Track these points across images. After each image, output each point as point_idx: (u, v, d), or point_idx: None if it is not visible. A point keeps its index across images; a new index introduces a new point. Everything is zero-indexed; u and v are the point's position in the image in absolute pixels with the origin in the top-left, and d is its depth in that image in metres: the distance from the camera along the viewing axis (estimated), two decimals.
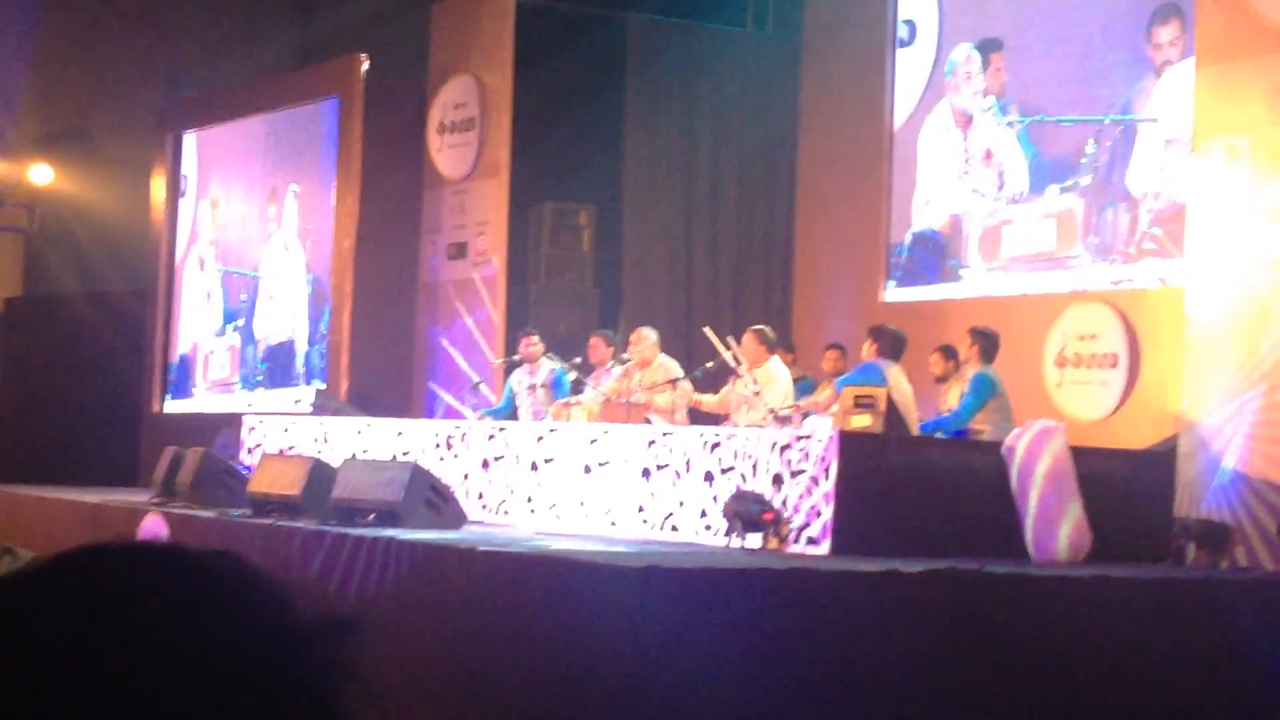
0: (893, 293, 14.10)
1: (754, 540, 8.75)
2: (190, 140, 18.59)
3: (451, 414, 14.65)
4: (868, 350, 10.73)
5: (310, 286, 16.64)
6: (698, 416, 11.98)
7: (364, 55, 15.61)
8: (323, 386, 15.69)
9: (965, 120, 13.62)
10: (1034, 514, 8.99)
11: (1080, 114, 12.59)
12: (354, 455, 11.78)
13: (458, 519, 9.92)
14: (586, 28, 15.76)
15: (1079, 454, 9.26)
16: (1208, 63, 9.70)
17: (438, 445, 11.43)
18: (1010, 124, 13.18)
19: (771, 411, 10.82)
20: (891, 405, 9.45)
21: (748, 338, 11.58)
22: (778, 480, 8.95)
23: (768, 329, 11.84)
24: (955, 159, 13.66)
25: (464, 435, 11.29)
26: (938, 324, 12.92)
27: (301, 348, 16.65)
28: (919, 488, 8.84)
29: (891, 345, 10.61)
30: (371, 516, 9.68)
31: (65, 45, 17.82)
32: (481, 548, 8.04)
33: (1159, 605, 7.70)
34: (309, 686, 1.26)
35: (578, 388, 12.41)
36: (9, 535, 12.00)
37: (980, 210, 13.36)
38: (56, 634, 1.20)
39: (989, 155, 13.31)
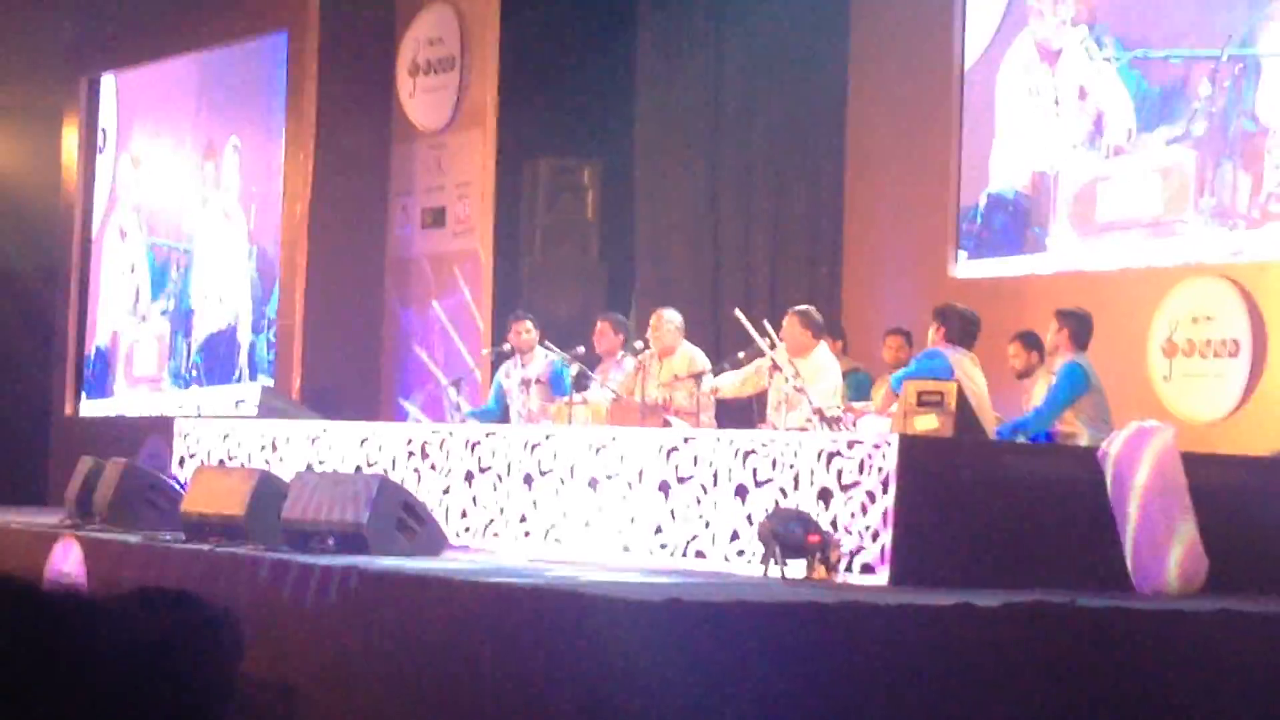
0: (964, 266, 14.09)
1: (796, 568, 8.75)
2: (109, 84, 18.61)
3: (426, 417, 14.66)
4: (933, 335, 10.72)
5: (255, 262, 16.66)
6: (726, 416, 11.98)
7: None
8: (271, 383, 15.71)
9: (1052, 56, 13.60)
10: (1137, 535, 8.98)
11: (1192, 47, 12.56)
12: (309, 467, 11.79)
13: (436, 544, 9.93)
14: None
15: (1191, 461, 9.25)
16: None
17: (411, 454, 11.44)
18: (1107, 60, 13.15)
19: (818, 411, 10.82)
20: (963, 403, 9.45)
21: (789, 321, 11.58)
22: (825, 495, 8.95)
23: (813, 310, 11.84)
24: (1041, 104, 13.63)
25: (442, 442, 11.31)
26: (1018, 305, 12.90)
27: (245, 337, 16.67)
28: (997, 503, 8.84)
29: (960, 328, 10.60)
30: (331, 541, 9.70)
31: None
32: (465, 579, 8.04)
33: None
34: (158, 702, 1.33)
35: (581, 384, 12.42)
36: None
37: (1071, 166, 13.33)
38: None
39: (1083, 95, 13.28)
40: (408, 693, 7.76)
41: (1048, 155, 13.52)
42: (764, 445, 9.38)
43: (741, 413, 12.06)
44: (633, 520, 9.94)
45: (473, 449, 11.05)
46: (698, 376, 11.76)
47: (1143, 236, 12.78)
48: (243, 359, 16.63)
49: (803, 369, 11.23)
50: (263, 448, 12.52)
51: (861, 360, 13.53)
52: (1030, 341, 11.17)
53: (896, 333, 12.77)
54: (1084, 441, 10.03)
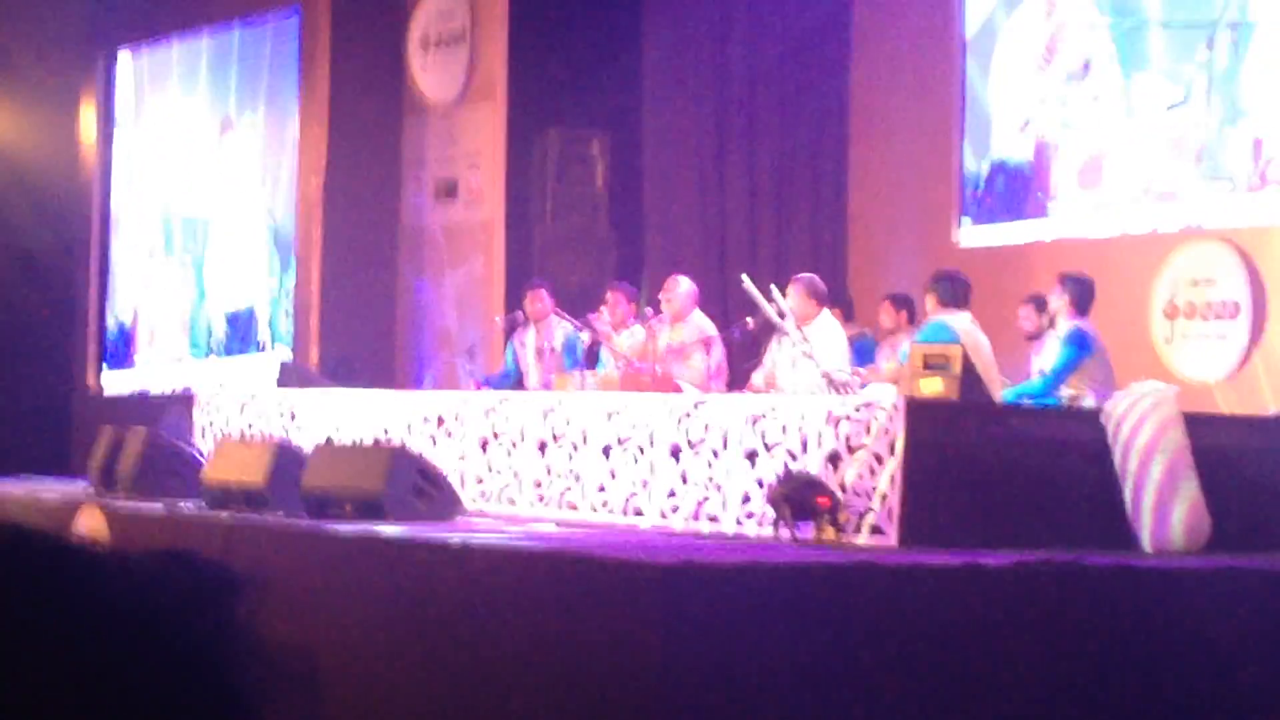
0: (968, 233, 14.07)
1: (806, 531, 8.75)
2: (125, 60, 18.57)
3: (442, 386, 14.65)
4: (930, 305, 10.74)
5: (271, 236, 16.65)
6: (736, 382, 11.98)
7: None
8: (289, 354, 15.71)
9: (1056, 24, 13.53)
10: (1141, 494, 8.98)
11: (1188, 15, 12.51)
12: (327, 437, 11.80)
13: (452, 509, 9.94)
14: None
15: (1193, 422, 9.24)
16: None
17: (427, 422, 11.44)
18: (1107, 26, 13.10)
19: (826, 375, 10.81)
20: (968, 366, 9.43)
21: (793, 290, 11.58)
22: (834, 458, 8.94)
23: (816, 279, 11.83)
24: (1043, 70, 13.58)
25: (458, 411, 11.31)
26: (1022, 270, 12.88)
27: (263, 309, 16.67)
28: (1003, 465, 8.83)
29: (951, 291, 10.60)
30: (349, 508, 9.71)
31: None
32: (481, 544, 8.05)
33: None
34: (181, 658, 1.34)
35: (593, 353, 12.41)
36: None
37: (1073, 132, 13.30)
38: None
39: (1083, 62, 13.24)
40: (424, 655, 7.77)
41: (1050, 122, 13.48)
42: (773, 409, 9.37)
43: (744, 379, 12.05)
44: (645, 485, 9.94)
45: (487, 416, 11.05)
46: (706, 343, 11.76)
47: (1144, 202, 12.75)
48: (261, 331, 16.63)
49: (808, 336, 11.23)
50: (282, 417, 12.53)
51: (867, 326, 13.52)
52: (1042, 305, 11.19)
53: (890, 299, 12.67)
54: (1088, 403, 10.03)
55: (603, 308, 12.79)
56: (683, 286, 12.33)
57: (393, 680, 7.87)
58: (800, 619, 6.79)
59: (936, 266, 11.96)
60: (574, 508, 10.33)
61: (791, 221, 15.45)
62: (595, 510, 10.17)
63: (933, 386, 9.40)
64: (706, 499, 9.60)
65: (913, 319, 11.95)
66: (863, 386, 11.01)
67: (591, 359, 12.45)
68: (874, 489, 8.74)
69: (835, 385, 10.74)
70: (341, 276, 15.63)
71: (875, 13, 15.09)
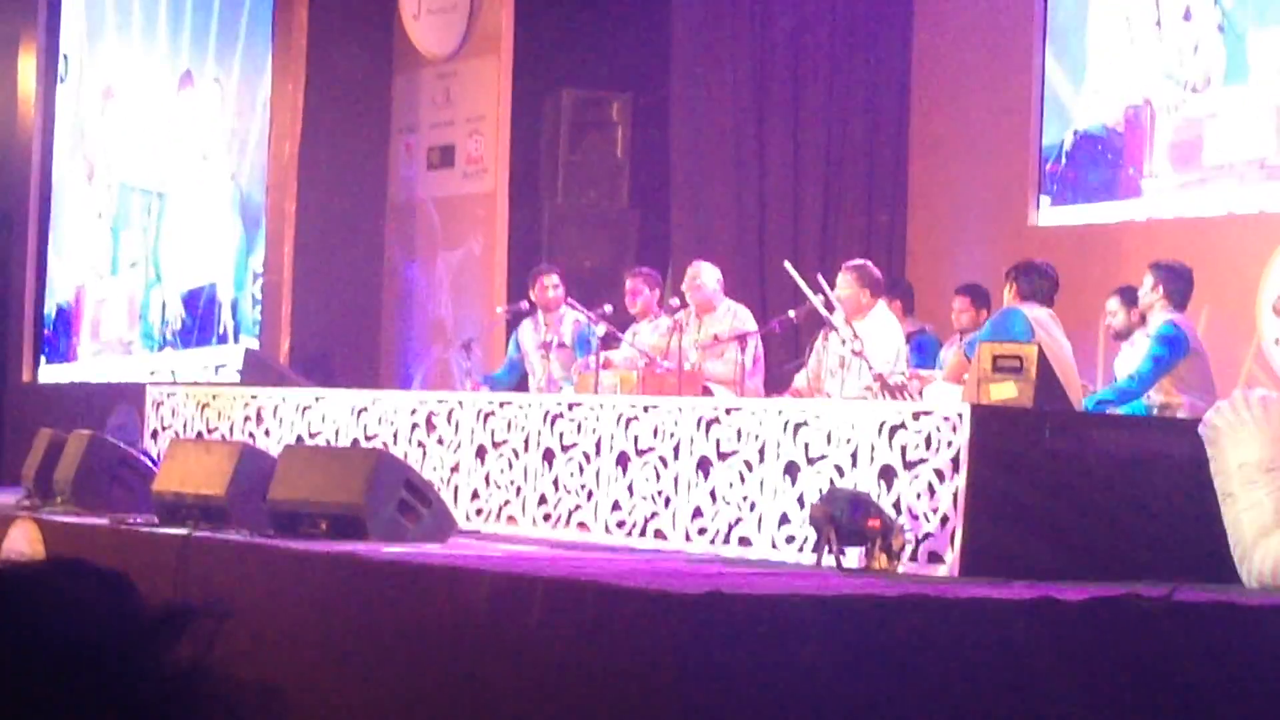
0: (1046, 213, 14.07)
1: (854, 557, 8.76)
2: (72, 3, 18.63)
3: (434, 385, 14.68)
4: (1008, 296, 10.74)
5: (238, 208, 16.69)
6: (774, 384, 12.00)
7: None
8: (256, 345, 15.75)
9: None
10: (1243, 518, 8.97)
11: None
12: (299, 440, 11.83)
13: (443, 528, 9.95)
14: None
15: None
16: None
17: (415, 426, 11.47)
18: None
19: (879, 378, 10.82)
20: (1045, 368, 9.43)
21: (843, 279, 11.59)
22: (887, 474, 8.95)
23: (870, 266, 11.84)
24: (1139, 27, 13.58)
25: (451, 413, 11.33)
26: (1109, 257, 12.88)
27: (226, 293, 16.72)
28: (1083, 483, 8.83)
29: (1036, 285, 10.59)
30: (324, 524, 9.73)
31: None
32: (477, 569, 8.06)
33: None
34: (137, 692, 1.37)
35: (609, 348, 12.42)
36: None
37: (1172, 99, 13.30)
38: None
39: (1188, 16, 13.23)
40: (410, 697, 7.79)
41: (1145, 86, 13.48)
42: (817, 417, 9.38)
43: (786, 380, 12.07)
44: (668, 502, 9.96)
45: (485, 420, 11.07)
46: (742, 338, 11.77)
47: (1253, 179, 12.75)
48: (224, 318, 16.68)
49: (860, 331, 11.24)
50: (246, 419, 12.56)
51: (929, 321, 13.53)
52: (1132, 298, 11.18)
53: (964, 292, 12.70)
54: (1183, 413, 10.03)
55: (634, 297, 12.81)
56: (705, 273, 12.34)
57: None
58: (845, 659, 6.79)
59: (1009, 252, 11.98)
60: (585, 528, 10.35)
61: (842, 199, 15.47)
62: (610, 531, 10.19)
63: (1003, 392, 9.40)
64: (739, 519, 9.61)
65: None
66: (922, 390, 11.02)
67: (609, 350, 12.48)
68: (934, 510, 8.75)
69: (890, 389, 10.74)
70: (318, 257, 15.66)
71: None
